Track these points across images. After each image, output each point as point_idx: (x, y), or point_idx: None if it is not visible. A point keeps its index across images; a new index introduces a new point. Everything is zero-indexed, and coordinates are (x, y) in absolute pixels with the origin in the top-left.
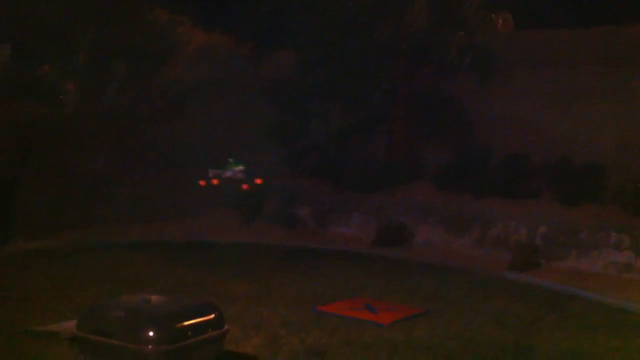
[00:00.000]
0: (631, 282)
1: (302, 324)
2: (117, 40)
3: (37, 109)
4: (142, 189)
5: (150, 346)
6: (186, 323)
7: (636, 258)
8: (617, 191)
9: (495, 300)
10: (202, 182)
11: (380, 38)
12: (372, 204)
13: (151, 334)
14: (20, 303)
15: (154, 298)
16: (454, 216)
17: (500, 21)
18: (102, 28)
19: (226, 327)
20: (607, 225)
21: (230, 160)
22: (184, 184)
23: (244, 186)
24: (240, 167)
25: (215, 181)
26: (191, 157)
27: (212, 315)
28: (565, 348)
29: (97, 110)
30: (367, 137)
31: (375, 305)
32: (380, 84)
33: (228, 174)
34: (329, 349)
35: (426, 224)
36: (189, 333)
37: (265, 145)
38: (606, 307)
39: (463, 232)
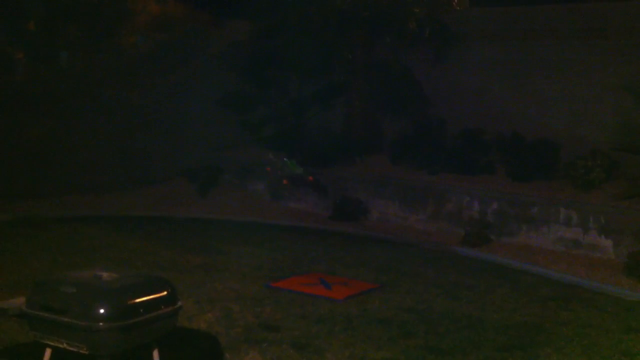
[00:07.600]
0: (579, 257)
1: (257, 299)
2: (69, 3)
3: None
4: (96, 157)
5: (101, 323)
6: (138, 300)
7: (584, 234)
8: (568, 167)
9: (448, 274)
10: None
11: (341, 5)
12: (329, 178)
13: (102, 310)
14: None
15: (105, 274)
16: (409, 191)
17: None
18: None
19: (179, 303)
20: (557, 201)
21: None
22: (138, 152)
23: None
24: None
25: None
26: (147, 124)
27: (165, 292)
28: (516, 320)
29: (49, 75)
30: (326, 108)
31: (329, 280)
32: (340, 53)
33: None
34: (284, 324)
35: (382, 199)
36: (141, 310)
37: (221, 114)
38: (555, 282)
39: (418, 207)
